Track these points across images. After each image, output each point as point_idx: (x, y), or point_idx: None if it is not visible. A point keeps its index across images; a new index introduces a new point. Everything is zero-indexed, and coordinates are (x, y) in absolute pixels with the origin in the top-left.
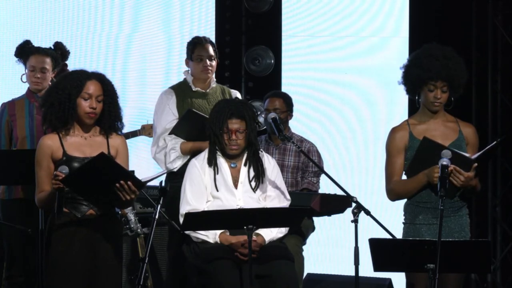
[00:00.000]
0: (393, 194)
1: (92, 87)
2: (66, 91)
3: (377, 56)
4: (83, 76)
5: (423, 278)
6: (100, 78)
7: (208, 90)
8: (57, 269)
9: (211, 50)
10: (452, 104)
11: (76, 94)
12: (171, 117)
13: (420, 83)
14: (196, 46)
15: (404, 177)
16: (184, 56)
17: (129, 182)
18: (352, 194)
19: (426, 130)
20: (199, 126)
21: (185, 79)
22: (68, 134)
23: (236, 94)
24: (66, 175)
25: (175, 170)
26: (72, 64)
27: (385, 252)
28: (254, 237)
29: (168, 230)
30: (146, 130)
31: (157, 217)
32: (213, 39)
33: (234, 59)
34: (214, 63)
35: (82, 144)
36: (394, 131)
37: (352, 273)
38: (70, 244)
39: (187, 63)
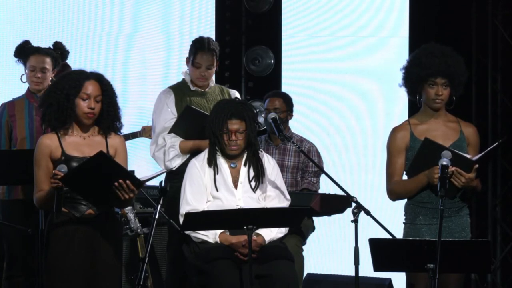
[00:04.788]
0: (393, 194)
1: (90, 87)
2: (64, 92)
3: (376, 56)
4: (81, 76)
5: (423, 278)
6: (99, 78)
7: (206, 90)
8: (57, 269)
9: (211, 59)
10: (453, 104)
11: (75, 95)
12: (170, 116)
13: (420, 81)
14: (198, 52)
15: (405, 177)
16: (184, 55)
17: (127, 181)
18: (351, 194)
19: (427, 130)
20: (198, 123)
21: (183, 79)
22: (67, 133)
23: (235, 93)
24: (65, 173)
25: (174, 168)
26: (72, 64)
27: (385, 252)
28: (254, 237)
29: (168, 230)
30: (147, 132)
31: (157, 217)
32: (213, 39)
33: (234, 59)
34: (212, 70)
35: (81, 144)
36: (395, 131)
37: (352, 273)
38: (70, 244)
39: (187, 62)
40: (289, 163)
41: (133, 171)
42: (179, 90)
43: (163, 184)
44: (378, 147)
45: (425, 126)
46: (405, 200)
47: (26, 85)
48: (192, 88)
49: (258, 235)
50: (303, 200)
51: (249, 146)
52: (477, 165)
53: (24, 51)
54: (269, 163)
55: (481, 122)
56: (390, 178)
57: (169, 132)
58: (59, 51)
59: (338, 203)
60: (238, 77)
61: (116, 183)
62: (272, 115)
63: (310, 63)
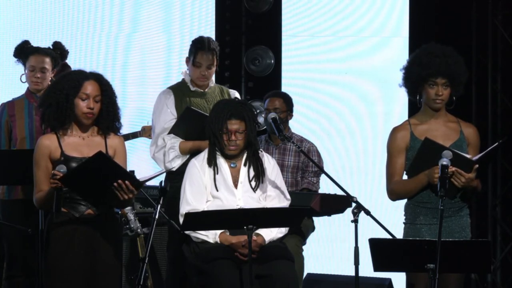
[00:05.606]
0: (393, 194)
1: (90, 87)
2: (63, 92)
3: (377, 56)
4: (80, 76)
5: (423, 278)
6: (98, 78)
7: (206, 90)
8: (56, 269)
9: (211, 58)
10: (454, 104)
11: (74, 95)
12: (170, 117)
13: (420, 81)
14: (198, 51)
15: (405, 177)
16: (184, 55)
17: (127, 182)
18: (352, 194)
19: (427, 130)
20: (198, 124)
21: (183, 79)
22: (66, 134)
23: (235, 93)
24: (64, 174)
25: (173, 169)
26: (72, 64)
27: (385, 252)
28: (254, 237)
29: (168, 230)
30: (147, 132)
31: (157, 217)
32: (213, 38)
33: (234, 59)
34: (212, 69)
35: (80, 144)
36: (395, 131)
37: (352, 273)
38: (69, 244)
39: (187, 62)
40: (289, 163)
41: (133, 171)
42: (178, 90)
43: (163, 184)
44: (378, 148)
45: (425, 126)
46: (405, 200)
47: (26, 85)
48: (192, 88)
49: (258, 235)
50: (303, 200)
51: (249, 146)
52: (477, 165)
53: (24, 51)
54: (269, 163)
55: (481, 122)
56: (390, 178)
57: (169, 133)
58: (58, 51)
59: (338, 203)
60: (238, 77)
61: (115, 184)
62: (272, 115)
63: (310, 63)
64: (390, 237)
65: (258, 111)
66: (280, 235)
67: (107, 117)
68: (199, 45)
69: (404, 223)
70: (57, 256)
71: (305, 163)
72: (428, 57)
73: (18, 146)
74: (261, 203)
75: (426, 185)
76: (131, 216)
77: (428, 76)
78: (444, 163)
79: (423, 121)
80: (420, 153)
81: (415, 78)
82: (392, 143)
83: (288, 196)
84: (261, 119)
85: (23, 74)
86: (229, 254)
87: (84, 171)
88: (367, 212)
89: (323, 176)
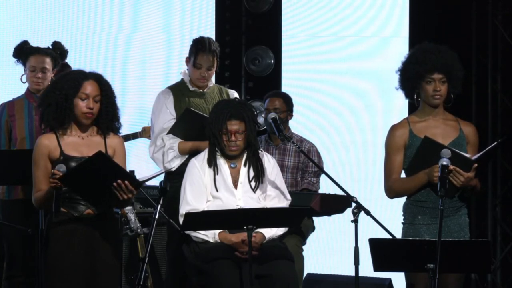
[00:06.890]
0: (392, 192)
1: (89, 87)
2: (63, 92)
3: (377, 56)
4: (80, 76)
5: (423, 278)
6: (98, 78)
7: (205, 90)
8: (56, 269)
9: (212, 60)
10: (452, 102)
11: (73, 95)
12: (169, 117)
13: (418, 79)
14: (198, 52)
15: (403, 174)
16: (184, 55)
17: (126, 182)
18: (351, 194)
19: (426, 128)
20: (198, 125)
21: (182, 79)
22: (66, 133)
23: (234, 94)
24: (64, 173)
25: (172, 169)
26: (72, 64)
27: (385, 252)
28: (253, 234)
29: (168, 230)
30: (147, 132)
31: (157, 217)
32: (213, 39)
33: (234, 59)
34: (212, 71)
35: (80, 144)
36: (394, 128)
37: (352, 273)
38: (69, 243)
39: (187, 62)
40: (289, 163)
41: (133, 171)
42: (178, 90)
43: (163, 184)
44: (378, 148)
45: (424, 124)
46: (404, 200)
47: (26, 85)
48: (191, 88)
49: (258, 232)
50: (303, 200)
51: (249, 146)
52: (476, 165)
53: (24, 52)
54: (269, 163)
55: (481, 122)
56: (389, 175)
57: (168, 133)
58: (58, 51)
59: (338, 203)
60: (238, 77)
61: (114, 183)
62: (272, 115)
63: (310, 64)
64: (390, 237)
65: (258, 111)
66: (280, 232)
67: (106, 117)
68: (199, 46)
69: (402, 223)
70: (57, 256)
71: (305, 163)
72: (424, 55)
73: (18, 146)
74: (261, 203)
75: (426, 183)
76: (131, 216)
77: (425, 72)
78: (444, 163)
79: (422, 119)
80: (419, 151)
81: (412, 76)
82: (390, 141)
83: (288, 196)
84: (261, 119)
85: (23, 75)
86: (229, 254)
87: (83, 170)
88: (367, 212)
89: (323, 176)
